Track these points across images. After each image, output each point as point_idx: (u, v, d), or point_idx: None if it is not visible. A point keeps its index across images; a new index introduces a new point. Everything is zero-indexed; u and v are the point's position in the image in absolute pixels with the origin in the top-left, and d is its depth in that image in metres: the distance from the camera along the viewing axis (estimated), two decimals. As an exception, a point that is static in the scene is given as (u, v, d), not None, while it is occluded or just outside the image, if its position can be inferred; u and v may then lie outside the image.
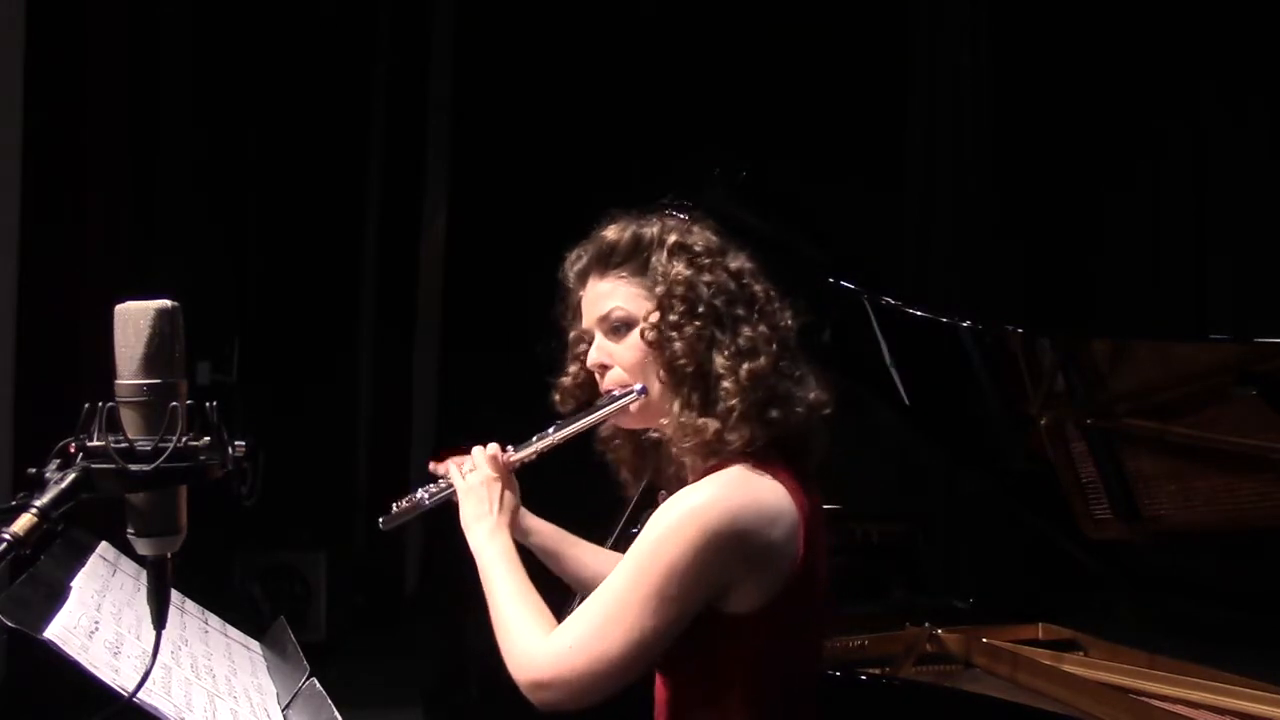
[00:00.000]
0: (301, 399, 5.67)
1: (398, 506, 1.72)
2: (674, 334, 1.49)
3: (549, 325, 1.69)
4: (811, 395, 1.51)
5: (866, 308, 2.69)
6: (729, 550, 1.39)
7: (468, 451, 1.69)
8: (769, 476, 1.45)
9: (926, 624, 2.73)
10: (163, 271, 4.67)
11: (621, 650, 1.38)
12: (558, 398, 1.67)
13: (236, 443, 1.06)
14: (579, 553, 1.80)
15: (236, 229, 5.53)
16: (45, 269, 4.10)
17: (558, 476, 1.82)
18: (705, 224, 1.59)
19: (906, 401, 2.77)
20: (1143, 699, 2.33)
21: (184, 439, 1.02)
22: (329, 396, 5.92)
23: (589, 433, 1.63)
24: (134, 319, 1.02)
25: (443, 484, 1.69)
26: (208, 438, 1.04)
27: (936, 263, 5.06)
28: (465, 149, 6.08)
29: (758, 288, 1.55)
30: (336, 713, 1.33)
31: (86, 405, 1.01)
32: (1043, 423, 2.54)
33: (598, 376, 1.58)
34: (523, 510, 1.71)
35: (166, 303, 1.03)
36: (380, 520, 1.73)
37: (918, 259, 5.11)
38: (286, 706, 1.41)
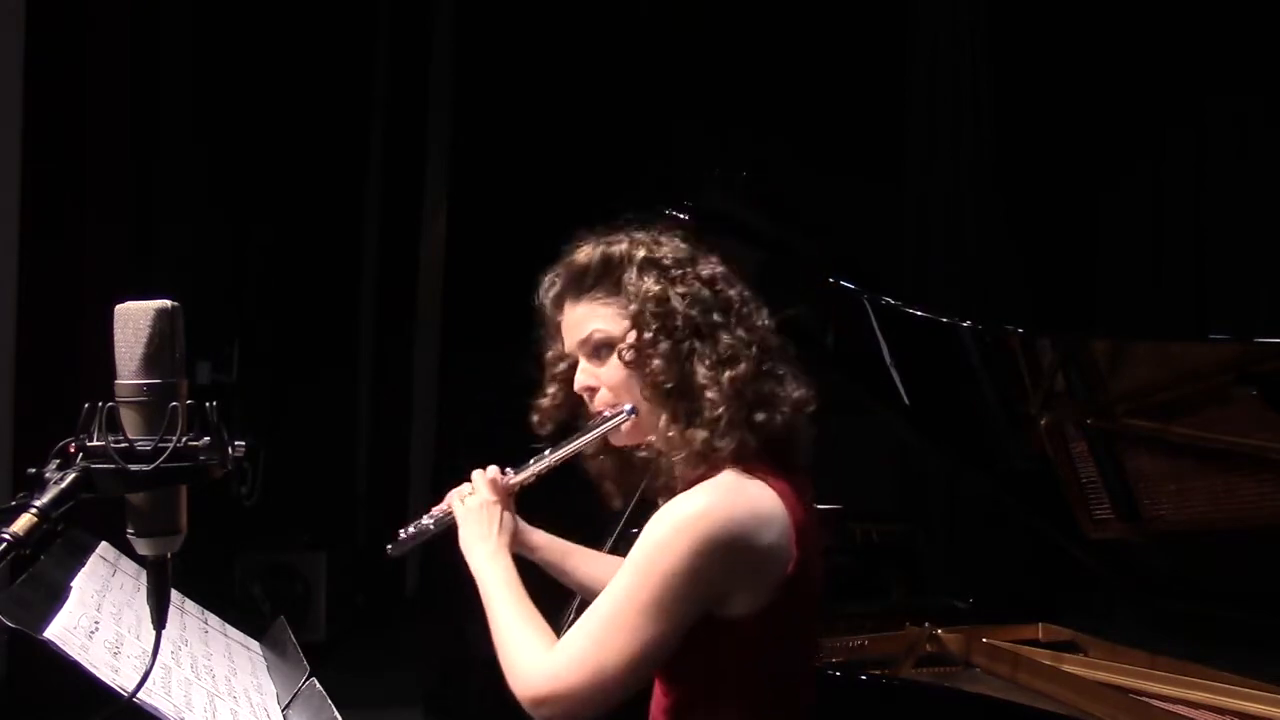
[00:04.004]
0: (301, 399, 5.67)
1: (404, 533, 1.74)
2: (651, 351, 1.48)
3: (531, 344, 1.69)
4: (796, 394, 1.51)
5: (866, 308, 2.69)
6: (725, 557, 1.39)
7: (468, 479, 1.71)
8: (759, 481, 1.44)
9: (926, 624, 2.73)
10: (163, 271, 4.67)
11: (620, 661, 1.38)
12: (536, 419, 1.67)
13: (236, 443, 1.06)
14: (581, 562, 1.82)
15: (236, 229, 5.53)
16: (45, 269, 4.10)
17: (554, 491, 1.83)
18: (672, 233, 1.59)
19: (906, 401, 2.77)
20: (1143, 699, 2.33)
21: (184, 439, 1.01)
22: (329, 396, 5.93)
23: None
24: (134, 319, 1.02)
25: (446, 507, 1.71)
26: (208, 438, 1.04)
27: (936, 262, 5.07)
28: (465, 149, 6.09)
29: (731, 292, 1.54)
30: (336, 713, 1.33)
31: (86, 405, 1.01)
32: (1043, 423, 2.54)
33: (586, 399, 1.59)
34: (525, 526, 1.73)
35: (166, 303, 1.03)
36: (388, 548, 1.74)
37: (918, 259, 5.12)
38: (286, 706, 1.41)
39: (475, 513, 1.64)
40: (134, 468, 0.99)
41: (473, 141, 6.03)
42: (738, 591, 1.41)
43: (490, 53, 5.90)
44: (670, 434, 1.48)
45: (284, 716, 1.39)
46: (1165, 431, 2.39)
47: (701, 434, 1.45)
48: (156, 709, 1.12)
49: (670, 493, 1.49)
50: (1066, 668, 2.51)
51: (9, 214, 4.00)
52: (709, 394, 1.46)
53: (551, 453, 1.64)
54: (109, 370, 1.03)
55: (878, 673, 2.51)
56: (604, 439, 1.60)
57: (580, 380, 1.57)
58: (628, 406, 1.53)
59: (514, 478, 1.68)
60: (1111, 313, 4.94)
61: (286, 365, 5.67)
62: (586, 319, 1.55)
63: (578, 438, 1.62)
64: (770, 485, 1.45)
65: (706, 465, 1.46)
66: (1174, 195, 4.90)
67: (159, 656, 1.09)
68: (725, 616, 1.42)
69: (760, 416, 1.46)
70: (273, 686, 1.48)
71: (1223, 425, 2.27)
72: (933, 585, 3.24)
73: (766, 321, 1.55)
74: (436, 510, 1.72)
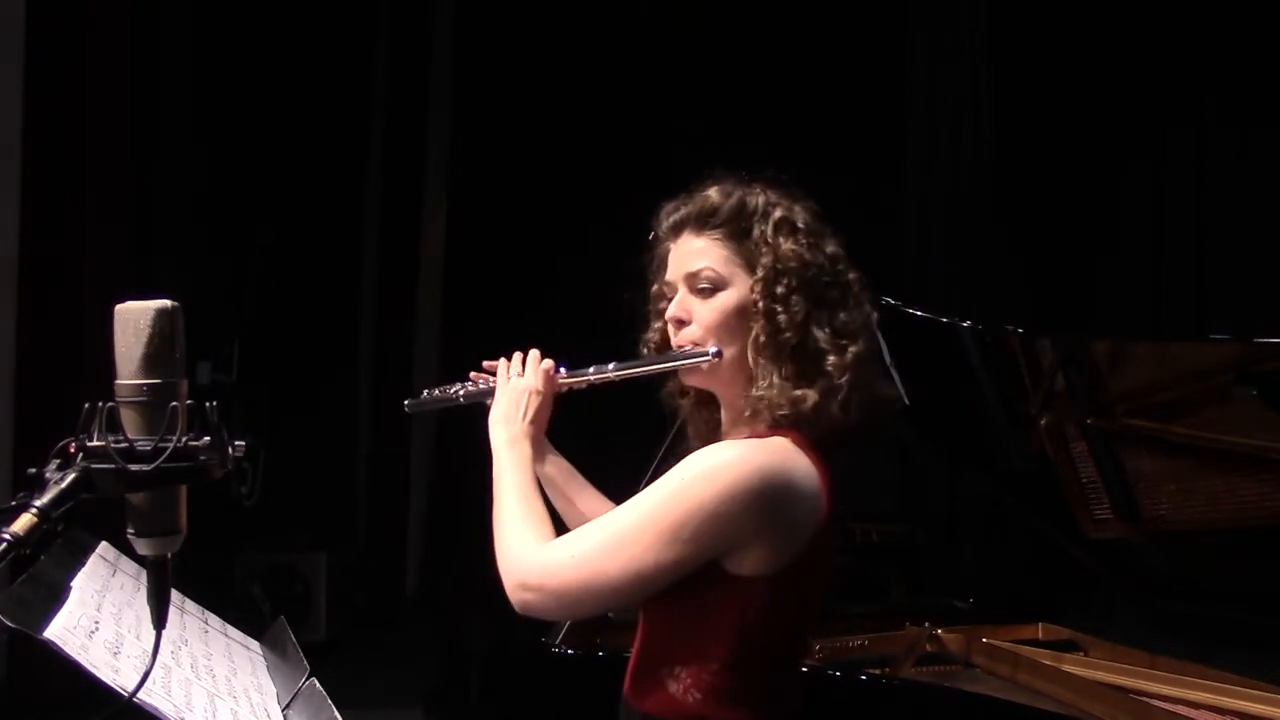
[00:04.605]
0: (301, 399, 5.67)
1: (428, 394, 1.75)
2: (779, 306, 1.50)
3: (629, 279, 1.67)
4: (885, 391, 1.54)
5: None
6: (752, 510, 1.40)
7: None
8: (808, 460, 1.46)
9: (926, 624, 2.73)
10: (163, 272, 4.67)
11: (620, 575, 1.40)
12: (647, 353, 1.67)
13: (236, 443, 1.06)
14: (580, 491, 1.80)
15: (237, 229, 5.53)
16: (45, 269, 4.11)
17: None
18: (806, 203, 1.61)
19: (906, 401, 2.77)
20: (1143, 699, 2.33)
21: (184, 439, 1.01)
22: (329, 396, 5.92)
23: (647, 385, 1.65)
24: (134, 319, 1.02)
25: (481, 386, 1.73)
26: (208, 438, 1.04)
27: (937, 262, 5.06)
28: (465, 149, 6.08)
29: (851, 276, 1.57)
30: (336, 713, 1.33)
31: (86, 405, 1.01)
32: (1043, 423, 2.54)
33: (671, 329, 1.58)
34: (544, 437, 1.73)
35: (166, 303, 1.03)
36: (406, 402, 1.76)
37: (918, 259, 5.11)
38: (286, 706, 1.41)
39: (515, 393, 1.66)
40: (134, 468, 0.99)
41: (473, 141, 6.02)
42: (749, 549, 1.42)
43: (490, 53, 5.90)
44: (772, 390, 1.48)
45: (284, 716, 1.39)
46: (1165, 431, 2.39)
47: (813, 396, 1.47)
48: (156, 709, 1.12)
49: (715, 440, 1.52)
50: (1066, 668, 2.51)
51: (9, 213, 4.00)
52: (831, 358, 1.48)
53: (615, 369, 1.64)
54: (109, 370, 1.03)
55: (878, 673, 2.51)
56: (670, 372, 1.60)
57: (673, 311, 1.57)
58: (712, 349, 1.53)
59: (567, 378, 1.69)
60: (1111, 313, 4.93)
61: (286, 365, 5.66)
62: (702, 254, 1.55)
63: (648, 363, 1.62)
64: (816, 468, 1.47)
65: (784, 425, 1.47)
66: (1174, 195, 4.89)
67: (159, 656, 1.09)
68: (729, 570, 1.43)
69: (857, 399, 1.49)
70: (273, 686, 1.48)
71: (1223, 425, 2.27)
72: (933, 585, 3.24)
73: (873, 315, 1.58)
74: (471, 386, 1.75)
